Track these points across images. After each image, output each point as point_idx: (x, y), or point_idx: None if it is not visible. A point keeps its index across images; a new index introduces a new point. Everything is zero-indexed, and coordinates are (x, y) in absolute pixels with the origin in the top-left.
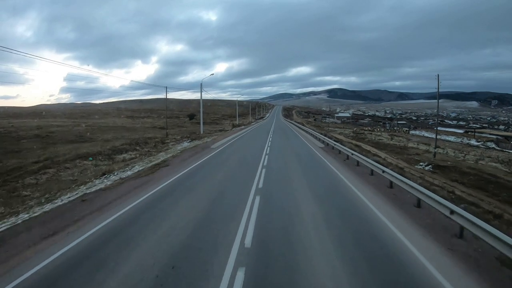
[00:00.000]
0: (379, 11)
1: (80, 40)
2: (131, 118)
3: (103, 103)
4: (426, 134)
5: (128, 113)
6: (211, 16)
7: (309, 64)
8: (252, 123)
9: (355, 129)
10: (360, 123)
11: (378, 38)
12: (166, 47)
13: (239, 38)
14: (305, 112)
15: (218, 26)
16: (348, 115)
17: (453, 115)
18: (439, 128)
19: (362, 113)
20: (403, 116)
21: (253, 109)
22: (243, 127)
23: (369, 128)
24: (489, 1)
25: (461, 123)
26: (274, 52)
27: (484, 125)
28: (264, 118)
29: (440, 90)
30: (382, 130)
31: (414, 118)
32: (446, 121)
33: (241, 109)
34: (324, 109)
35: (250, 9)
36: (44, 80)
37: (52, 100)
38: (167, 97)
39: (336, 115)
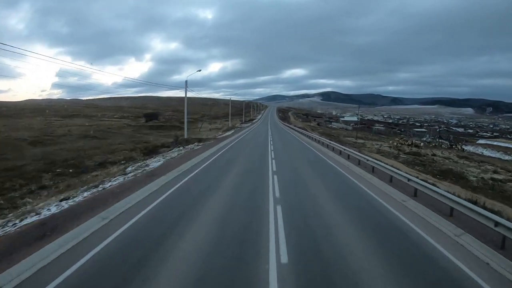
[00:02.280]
0: (379, 14)
1: (73, 35)
2: (63, 118)
3: (89, 99)
4: (487, 153)
5: (90, 111)
6: (208, 14)
7: (304, 66)
8: (232, 131)
9: (392, 142)
10: (376, 131)
11: (376, 41)
12: (161, 44)
13: (235, 37)
14: (303, 114)
15: (214, 25)
16: (355, 119)
17: (453, 121)
18: (486, 142)
19: (360, 117)
20: (405, 121)
21: (241, 110)
22: (195, 145)
23: (409, 142)
24: (487, 7)
25: (469, 131)
26: (269, 53)
27: (495, 133)
28: (255, 121)
29: (434, 96)
30: (422, 144)
31: (417, 124)
32: (452, 128)
33: (226, 109)
34: (319, 111)
35: (247, 7)
36: (35, 75)
37: (43, 96)
38: (153, 95)
39: (342, 119)
